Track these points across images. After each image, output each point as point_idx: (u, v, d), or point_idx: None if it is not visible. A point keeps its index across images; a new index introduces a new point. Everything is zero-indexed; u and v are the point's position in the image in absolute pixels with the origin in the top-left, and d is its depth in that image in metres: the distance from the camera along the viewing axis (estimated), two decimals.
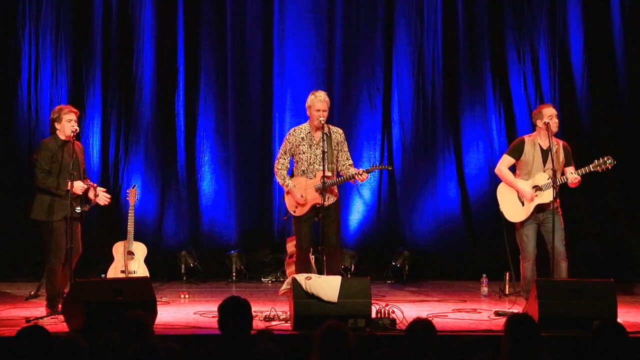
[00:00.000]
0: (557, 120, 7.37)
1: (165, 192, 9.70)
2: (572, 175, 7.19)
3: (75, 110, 7.25)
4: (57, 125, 7.12)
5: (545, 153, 7.33)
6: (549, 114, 7.34)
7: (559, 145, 7.37)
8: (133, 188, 8.47)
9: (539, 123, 7.37)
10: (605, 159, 7.13)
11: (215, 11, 9.71)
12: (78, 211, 7.04)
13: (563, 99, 9.57)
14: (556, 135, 7.48)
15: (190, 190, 9.73)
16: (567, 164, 7.39)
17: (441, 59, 9.74)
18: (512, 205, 7.39)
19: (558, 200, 7.27)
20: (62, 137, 7.11)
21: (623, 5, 9.50)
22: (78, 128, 7.22)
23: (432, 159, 9.82)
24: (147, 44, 9.61)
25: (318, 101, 7.43)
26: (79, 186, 7.01)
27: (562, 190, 7.44)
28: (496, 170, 7.63)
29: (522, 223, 7.35)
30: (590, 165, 7.18)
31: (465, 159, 9.78)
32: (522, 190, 7.33)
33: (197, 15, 9.69)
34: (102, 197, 7.28)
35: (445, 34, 9.74)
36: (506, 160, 7.53)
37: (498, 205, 7.51)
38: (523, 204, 7.35)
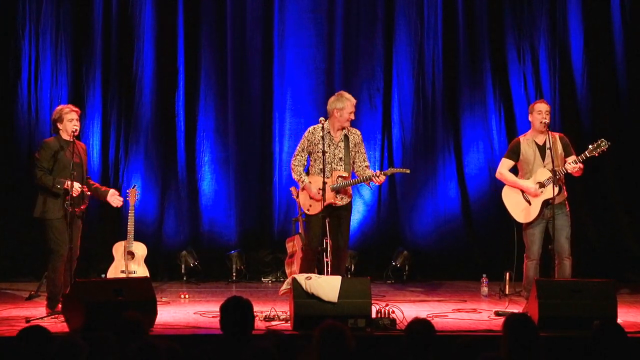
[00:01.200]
0: (546, 116, 7.34)
1: (165, 192, 9.69)
2: (570, 165, 7.18)
3: (77, 109, 7.26)
4: (59, 126, 7.13)
5: (542, 149, 7.34)
6: (538, 110, 7.36)
7: (555, 138, 7.37)
8: (133, 188, 8.47)
9: (532, 118, 7.41)
10: (600, 142, 7.15)
11: (215, 11, 9.71)
12: (76, 212, 7.03)
13: (563, 99, 9.57)
14: (554, 130, 7.49)
15: (190, 190, 9.73)
16: (566, 155, 7.39)
17: (441, 59, 9.74)
18: (519, 206, 7.39)
19: (566, 193, 7.28)
20: (66, 137, 7.12)
21: (623, 5, 9.50)
22: (78, 128, 7.23)
23: (432, 159, 9.81)
24: (147, 44, 9.60)
25: (351, 104, 7.48)
26: (75, 187, 6.99)
27: (567, 187, 7.44)
28: (497, 175, 7.63)
29: (529, 223, 7.34)
30: (586, 152, 7.19)
31: (465, 159, 9.78)
32: (526, 187, 7.33)
33: (197, 15, 9.69)
34: (116, 199, 7.34)
35: (445, 34, 9.74)
36: (505, 163, 7.53)
37: (505, 208, 7.49)
38: (530, 203, 7.35)
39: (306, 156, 7.61)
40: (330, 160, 7.47)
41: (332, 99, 7.56)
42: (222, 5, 9.68)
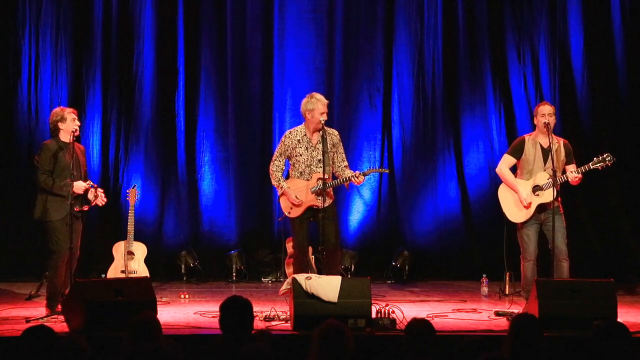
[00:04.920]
0: (553, 118, 7.35)
1: (165, 192, 9.70)
2: (572, 175, 7.18)
3: (74, 110, 7.28)
4: (61, 126, 7.11)
5: (545, 152, 7.32)
6: (542, 113, 7.35)
7: (559, 144, 7.36)
8: (133, 188, 8.48)
9: (536, 121, 7.40)
10: (605, 156, 7.13)
11: (215, 11, 9.71)
12: (86, 209, 7.05)
13: (563, 99, 9.57)
14: (556, 133, 7.48)
15: (190, 190, 9.73)
16: (568, 162, 7.38)
17: (441, 59, 9.74)
18: (513, 206, 7.39)
19: (560, 198, 7.28)
20: (65, 139, 7.10)
21: (623, 5, 9.50)
22: (78, 128, 7.23)
23: (432, 159, 9.82)
24: (147, 44, 9.61)
25: (322, 104, 7.44)
26: (80, 186, 7.02)
27: (563, 190, 7.44)
28: (497, 170, 7.63)
29: (524, 223, 7.34)
30: (590, 164, 7.18)
31: (465, 159, 9.78)
32: (520, 194, 7.31)
33: (197, 15, 9.69)
34: (100, 198, 7.28)
35: (445, 34, 9.74)
36: (507, 160, 7.52)
37: (500, 205, 7.50)
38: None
39: (284, 161, 7.59)
40: (310, 162, 7.47)
41: (304, 100, 7.54)
42: (222, 5, 9.68)
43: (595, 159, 7.17)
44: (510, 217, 7.41)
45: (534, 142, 7.39)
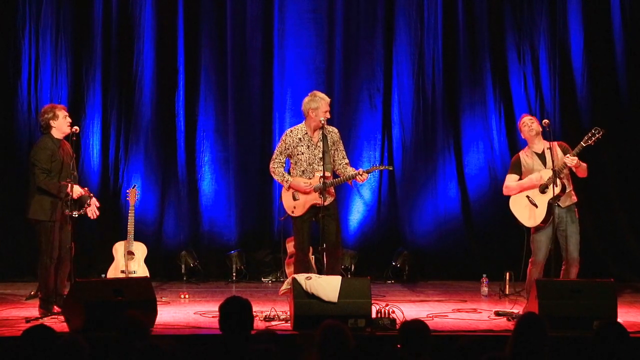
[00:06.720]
0: (535, 125, 7.35)
1: (165, 192, 9.70)
2: (569, 159, 7.16)
3: (64, 107, 7.26)
4: (53, 123, 7.04)
5: (541, 156, 7.35)
6: (523, 125, 7.42)
7: (554, 145, 7.37)
8: (133, 188, 8.48)
9: (523, 136, 7.46)
10: (593, 131, 7.15)
11: (215, 11, 9.71)
12: (75, 215, 6.96)
13: (563, 99, 9.57)
14: (556, 133, 7.48)
15: (190, 190, 9.73)
16: None
17: (441, 59, 9.74)
18: (527, 211, 7.33)
19: (575, 198, 7.27)
20: (57, 136, 7.07)
21: (623, 5, 9.50)
22: (78, 127, 7.21)
23: (432, 159, 9.81)
24: (147, 44, 9.61)
25: (325, 102, 7.43)
26: (77, 191, 6.98)
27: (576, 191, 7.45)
28: (504, 191, 7.54)
29: (538, 228, 7.30)
30: (581, 142, 7.18)
31: (465, 159, 9.77)
32: (530, 181, 7.29)
33: (197, 15, 9.70)
34: (93, 210, 7.17)
35: (445, 34, 9.74)
36: (510, 178, 7.50)
37: (515, 219, 7.42)
38: (536, 206, 7.29)
39: (284, 159, 7.57)
40: (312, 161, 7.47)
41: (306, 99, 7.52)
42: (222, 5, 9.68)
43: (585, 137, 7.17)
44: (528, 223, 7.34)
45: (529, 153, 7.42)
